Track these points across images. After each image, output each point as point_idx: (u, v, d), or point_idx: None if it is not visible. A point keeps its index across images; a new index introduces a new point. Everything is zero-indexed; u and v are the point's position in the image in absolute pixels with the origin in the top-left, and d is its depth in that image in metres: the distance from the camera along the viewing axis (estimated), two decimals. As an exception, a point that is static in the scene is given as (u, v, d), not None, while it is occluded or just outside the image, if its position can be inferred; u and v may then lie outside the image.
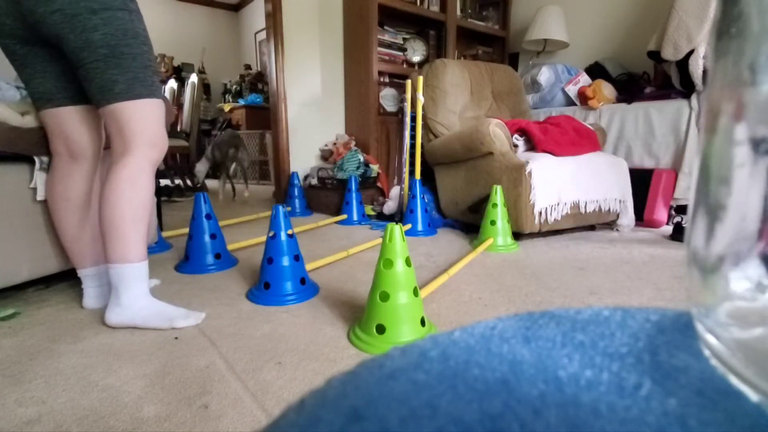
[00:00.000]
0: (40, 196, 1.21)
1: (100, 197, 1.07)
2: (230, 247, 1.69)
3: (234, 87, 5.43)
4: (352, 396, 0.11)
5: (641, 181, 2.25)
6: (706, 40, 2.04)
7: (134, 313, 1.06)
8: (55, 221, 1.19)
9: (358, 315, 1.13)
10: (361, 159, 2.75)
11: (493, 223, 1.84)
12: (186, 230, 1.70)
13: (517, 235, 1.95)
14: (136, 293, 1.07)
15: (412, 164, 2.45)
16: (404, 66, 3.08)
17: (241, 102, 4.93)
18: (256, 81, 5.22)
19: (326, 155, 2.97)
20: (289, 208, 2.61)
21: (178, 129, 3.47)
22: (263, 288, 1.26)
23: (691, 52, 2.08)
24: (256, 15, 5.55)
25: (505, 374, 0.12)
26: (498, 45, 3.64)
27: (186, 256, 1.58)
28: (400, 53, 3.06)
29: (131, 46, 0.99)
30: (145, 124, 1.04)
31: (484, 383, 0.11)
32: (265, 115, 3.55)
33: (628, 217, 2.14)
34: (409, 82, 2.44)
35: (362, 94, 2.91)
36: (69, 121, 1.12)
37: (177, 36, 5.50)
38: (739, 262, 0.11)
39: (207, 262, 1.54)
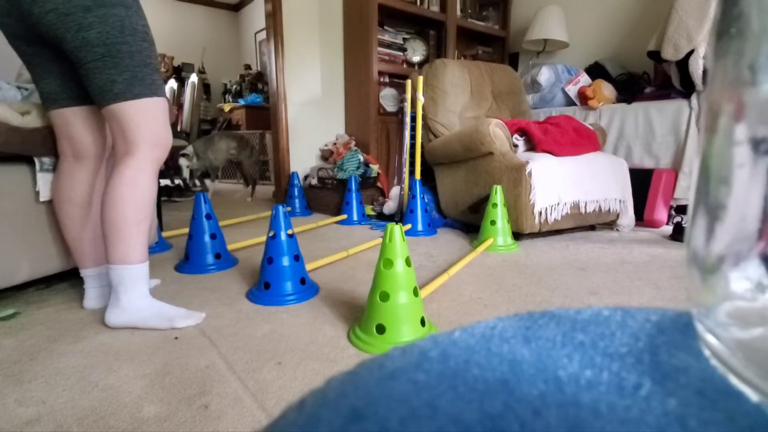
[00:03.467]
0: (43, 197, 1.21)
1: (102, 198, 1.06)
2: (230, 247, 1.69)
3: (234, 87, 5.43)
4: (352, 396, 0.11)
5: (641, 181, 2.25)
6: (706, 40, 2.04)
7: (134, 314, 1.06)
8: (59, 221, 1.19)
9: (358, 315, 1.13)
10: (361, 159, 2.74)
11: (493, 223, 1.84)
12: (186, 230, 1.70)
13: (517, 235, 1.95)
14: (136, 294, 1.07)
15: (412, 164, 2.45)
16: (404, 66, 3.08)
17: (241, 102, 4.93)
18: (256, 81, 5.21)
19: (326, 155, 2.98)
20: (289, 208, 2.60)
21: (178, 129, 3.47)
22: (263, 288, 1.26)
23: (691, 52, 2.08)
24: (256, 15, 5.55)
25: (505, 374, 0.12)
26: (498, 45, 3.63)
27: (186, 256, 1.58)
28: (400, 53, 3.06)
29: (129, 44, 0.97)
30: (146, 124, 1.04)
31: (484, 383, 0.11)
32: (265, 115, 3.54)
33: (628, 217, 2.14)
34: (409, 82, 2.44)
35: (362, 94, 2.91)
36: (73, 122, 1.12)
37: (177, 36, 5.50)
38: (739, 262, 0.11)
39: (207, 262, 1.54)
